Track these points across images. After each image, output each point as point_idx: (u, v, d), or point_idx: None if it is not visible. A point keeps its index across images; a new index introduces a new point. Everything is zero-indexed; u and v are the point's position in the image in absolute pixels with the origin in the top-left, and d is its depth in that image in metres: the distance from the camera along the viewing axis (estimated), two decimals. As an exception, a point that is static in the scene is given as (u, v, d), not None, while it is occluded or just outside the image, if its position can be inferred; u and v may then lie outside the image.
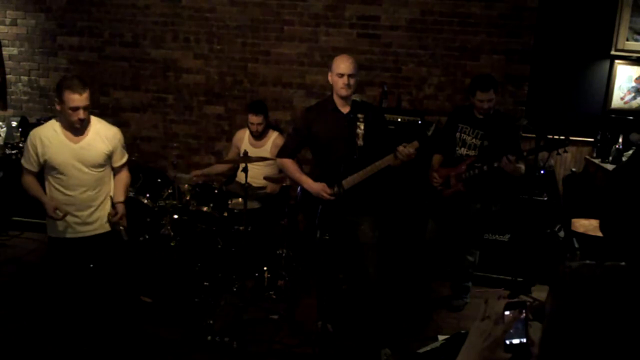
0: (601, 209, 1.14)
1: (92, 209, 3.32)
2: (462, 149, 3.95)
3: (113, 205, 3.35)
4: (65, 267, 3.35)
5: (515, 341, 1.14)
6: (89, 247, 3.32)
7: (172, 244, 4.03)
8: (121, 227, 3.30)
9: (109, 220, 3.32)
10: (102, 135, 3.29)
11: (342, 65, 3.28)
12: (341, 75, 3.27)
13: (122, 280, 3.50)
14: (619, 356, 0.98)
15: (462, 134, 3.96)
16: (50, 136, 3.19)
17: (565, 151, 3.62)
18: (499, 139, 3.83)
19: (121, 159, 3.44)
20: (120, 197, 3.39)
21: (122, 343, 3.35)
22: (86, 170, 3.25)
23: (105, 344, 3.29)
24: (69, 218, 3.22)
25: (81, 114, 3.11)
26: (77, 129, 3.19)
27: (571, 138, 4.81)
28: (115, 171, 3.45)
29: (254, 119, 4.51)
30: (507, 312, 1.18)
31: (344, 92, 3.30)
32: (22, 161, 3.27)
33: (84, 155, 3.22)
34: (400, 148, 3.20)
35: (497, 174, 3.76)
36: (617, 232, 1.10)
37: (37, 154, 3.19)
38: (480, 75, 4.05)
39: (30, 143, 3.20)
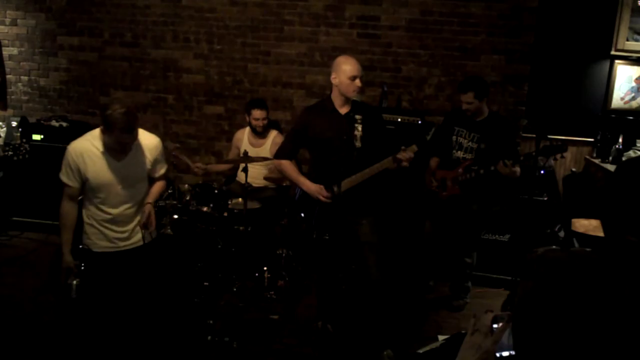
0: (603, 206, 1.16)
1: (134, 223, 3.16)
2: (459, 152, 3.96)
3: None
4: (97, 276, 3.15)
5: (505, 354, 1.16)
6: (124, 259, 3.16)
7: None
8: (143, 230, 3.13)
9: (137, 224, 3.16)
10: (144, 148, 3.09)
11: (355, 67, 3.26)
12: (354, 78, 3.26)
13: (143, 290, 3.29)
14: (583, 334, 1.00)
15: (459, 137, 3.96)
16: (91, 154, 2.97)
17: (563, 156, 3.62)
18: (495, 142, 3.83)
19: (160, 170, 3.25)
20: (150, 198, 3.19)
21: (123, 343, 3.34)
22: (128, 186, 3.06)
23: (107, 344, 3.28)
24: (109, 233, 3.10)
25: (128, 139, 2.91)
26: (107, 140, 2.97)
27: (571, 138, 4.90)
28: (154, 181, 3.27)
29: (258, 113, 4.51)
30: (495, 325, 1.19)
31: (354, 94, 3.32)
32: (61, 176, 3.03)
33: (128, 173, 3.03)
34: (400, 152, 3.21)
35: (494, 176, 3.77)
36: (619, 227, 1.11)
37: (78, 170, 2.98)
38: (467, 77, 4.10)
39: (71, 159, 2.97)
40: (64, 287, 3.04)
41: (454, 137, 3.97)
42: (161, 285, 3.70)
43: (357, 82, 3.27)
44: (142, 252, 3.21)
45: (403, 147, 3.21)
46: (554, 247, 1.17)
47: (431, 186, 4.08)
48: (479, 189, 3.90)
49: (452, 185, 3.93)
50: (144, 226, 3.14)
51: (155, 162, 3.18)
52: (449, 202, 4.00)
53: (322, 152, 3.42)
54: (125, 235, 3.17)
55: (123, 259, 3.17)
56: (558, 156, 3.59)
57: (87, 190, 3.06)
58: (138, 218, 3.17)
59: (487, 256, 4.42)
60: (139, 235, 3.19)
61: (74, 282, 3.02)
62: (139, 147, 3.08)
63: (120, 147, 2.94)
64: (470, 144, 3.91)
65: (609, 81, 4.83)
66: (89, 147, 2.98)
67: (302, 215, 3.54)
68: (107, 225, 3.10)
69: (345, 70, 3.27)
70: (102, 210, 3.08)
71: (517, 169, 3.70)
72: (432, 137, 3.95)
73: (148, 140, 3.13)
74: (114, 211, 3.08)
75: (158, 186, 3.28)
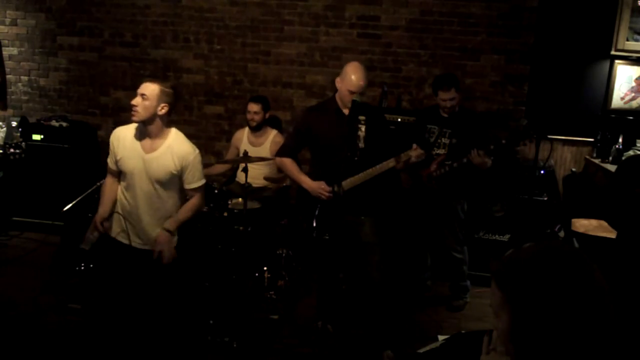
0: (607, 202, 1.19)
1: (143, 223, 3.09)
2: (432, 148, 3.98)
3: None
4: (108, 265, 3.23)
5: None
6: (135, 258, 3.13)
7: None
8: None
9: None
10: (173, 152, 3.02)
11: (359, 83, 3.27)
12: (352, 93, 3.27)
13: (156, 295, 3.22)
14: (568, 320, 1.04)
15: (431, 134, 3.99)
16: (127, 138, 3.06)
17: (525, 144, 3.67)
18: (466, 135, 3.88)
19: (191, 182, 3.10)
20: (170, 224, 3.08)
21: (123, 342, 3.34)
22: (148, 183, 3.03)
23: (107, 343, 3.28)
24: (124, 222, 3.09)
25: (134, 100, 2.93)
26: (143, 131, 3.01)
27: (571, 138, 4.90)
28: (187, 195, 3.18)
29: (252, 107, 4.53)
30: None
31: (349, 105, 3.33)
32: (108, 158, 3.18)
33: (150, 167, 3.01)
34: (403, 154, 3.24)
35: (468, 169, 3.81)
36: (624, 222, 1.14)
37: (113, 151, 3.10)
38: (441, 74, 4.17)
39: (110, 140, 3.13)
40: (84, 238, 3.10)
41: (426, 135, 4.01)
42: (163, 286, 3.69)
43: (353, 96, 3.27)
44: (153, 259, 3.11)
45: (415, 146, 3.28)
46: (511, 250, 1.19)
47: (407, 185, 4.10)
48: (455, 183, 3.94)
49: (427, 181, 3.96)
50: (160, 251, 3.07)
51: (183, 171, 3.06)
52: (429, 198, 4.02)
53: (324, 152, 3.42)
54: (134, 230, 3.11)
55: (132, 256, 3.13)
56: (546, 144, 3.64)
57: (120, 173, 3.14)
58: (152, 225, 3.10)
59: (487, 256, 4.42)
60: (147, 240, 3.13)
61: (93, 235, 3.07)
62: (169, 149, 3.04)
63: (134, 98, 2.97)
64: (442, 140, 3.95)
65: (609, 81, 4.83)
66: (128, 132, 3.09)
67: (302, 215, 3.54)
68: (124, 213, 3.12)
69: (348, 80, 3.28)
70: (124, 196, 3.12)
71: (488, 160, 3.73)
72: (436, 138, 3.96)
73: (180, 147, 3.06)
74: (132, 202, 3.08)
75: (186, 207, 3.16)
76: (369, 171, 3.31)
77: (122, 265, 3.17)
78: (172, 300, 3.36)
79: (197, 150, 3.12)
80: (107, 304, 3.27)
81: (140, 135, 3.05)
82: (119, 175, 3.15)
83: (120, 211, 3.13)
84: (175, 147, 3.04)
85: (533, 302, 1.05)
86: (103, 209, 3.12)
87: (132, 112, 2.95)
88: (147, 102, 2.94)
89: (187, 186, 3.13)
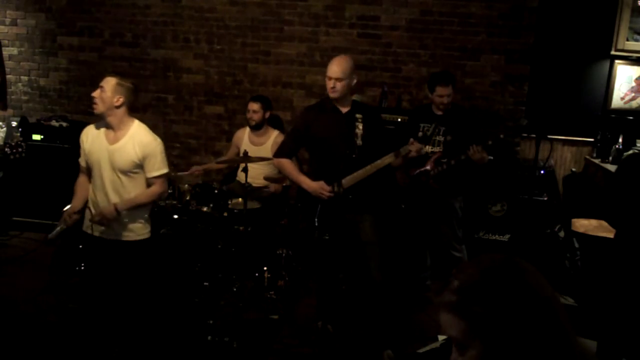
0: (607, 201, 1.19)
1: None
2: (427, 146, 3.99)
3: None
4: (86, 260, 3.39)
5: None
6: (109, 250, 3.19)
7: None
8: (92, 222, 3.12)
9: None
10: (135, 141, 3.12)
11: (331, 68, 3.32)
12: (329, 78, 3.32)
13: (131, 289, 3.27)
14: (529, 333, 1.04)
15: (425, 133, 4.01)
16: (93, 132, 3.21)
17: (522, 138, 3.68)
18: (461, 132, 3.89)
19: (152, 170, 3.15)
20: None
21: (122, 343, 3.35)
22: (113, 173, 3.12)
23: (106, 343, 3.29)
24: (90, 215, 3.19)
25: (94, 92, 3.10)
26: (107, 124, 3.12)
27: (571, 138, 4.91)
28: (148, 183, 3.22)
29: (251, 106, 4.55)
30: None
31: (330, 94, 3.35)
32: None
33: (114, 157, 3.10)
34: (402, 148, 3.26)
35: (466, 165, 3.81)
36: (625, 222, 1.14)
37: (83, 148, 3.23)
38: (438, 71, 4.19)
39: (80, 137, 3.26)
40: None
41: (420, 133, 4.02)
42: (161, 285, 3.71)
43: (330, 82, 3.30)
44: (123, 249, 3.19)
45: (412, 140, 3.31)
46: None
47: (402, 183, 4.11)
48: (452, 181, 3.94)
49: (425, 180, 3.96)
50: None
51: (145, 160, 3.13)
52: (426, 196, 4.03)
53: (323, 150, 3.43)
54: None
55: (103, 249, 3.20)
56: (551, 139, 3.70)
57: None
58: (120, 217, 3.14)
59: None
60: (117, 232, 3.18)
61: (60, 226, 3.21)
62: (132, 138, 3.15)
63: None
64: (437, 137, 3.97)
65: (609, 81, 4.83)
66: (95, 126, 3.23)
67: (303, 215, 3.54)
68: (91, 207, 3.21)
69: (327, 69, 3.34)
70: (93, 190, 3.23)
71: (486, 156, 3.74)
72: (432, 132, 3.97)
73: (141, 136, 3.17)
74: (100, 195, 3.17)
75: (145, 192, 3.19)
76: (368, 167, 3.32)
77: (95, 258, 3.28)
78: (152, 293, 3.45)
79: (159, 140, 3.21)
80: (91, 299, 3.35)
81: (105, 128, 3.18)
82: (89, 172, 3.25)
83: (90, 206, 3.22)
84: (137, 137, 3.16)
85: (502, 322, 1.05)
86: (75, 204, 3.26)
87: (93, 105, 3.12)
88: (103, 94, 3.09)
89: (148, 174, 3.19)
